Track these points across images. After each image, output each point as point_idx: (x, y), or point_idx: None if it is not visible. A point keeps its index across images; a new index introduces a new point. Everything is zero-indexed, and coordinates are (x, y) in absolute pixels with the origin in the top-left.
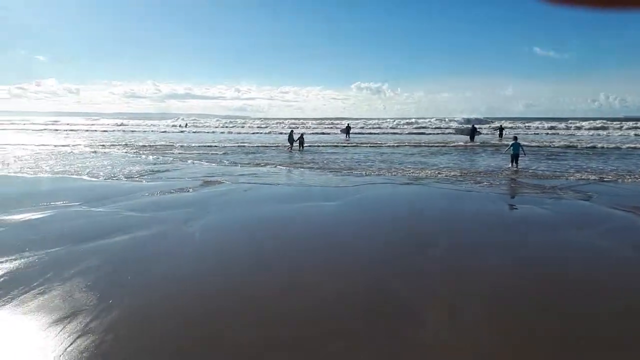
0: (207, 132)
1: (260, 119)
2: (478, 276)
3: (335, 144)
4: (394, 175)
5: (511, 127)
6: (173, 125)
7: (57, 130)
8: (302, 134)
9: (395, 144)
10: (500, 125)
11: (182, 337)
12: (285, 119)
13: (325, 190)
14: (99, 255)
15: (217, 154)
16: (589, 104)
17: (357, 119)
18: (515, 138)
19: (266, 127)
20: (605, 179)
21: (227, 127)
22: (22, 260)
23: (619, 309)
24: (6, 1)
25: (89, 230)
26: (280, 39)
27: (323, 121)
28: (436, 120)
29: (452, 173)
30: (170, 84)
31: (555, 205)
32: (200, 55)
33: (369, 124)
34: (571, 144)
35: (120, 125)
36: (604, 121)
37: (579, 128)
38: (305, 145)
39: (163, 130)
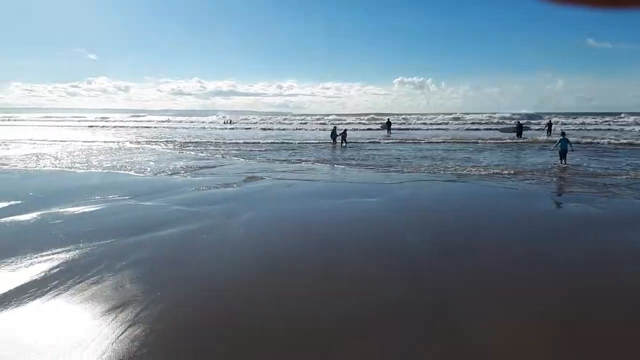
0: (250, 129)
1: (302, 115)
2: (527, 277)
3: (376, 140)
4: (436, 172)
5: (561, 123)
6: (217, 122)
7: (106, 127)
8: (345, 130)
9: (438, 140)
10: (549, 121)
11: (227, 328)
12: (327, 115)
13: (366, 186)
14: (148, 247)
15: (259, 150)
16: None
17: (399, 114)
18: (564, 134)
19: (307, 123)
20: None
21: (268, 123)
22: (78, 251)
23: None
24: (60, 2)
25: (138, 223)
26: (322, 35)
27: (364, 117)
28: (482, 115)
29: (497, 170)
30: (215, 82)
31: (610, 204)
32: (244, 52)
33: (411, 120)
34: (626, 140)
35: (166, 121)
36: None
37: (637, 124)
38: (347, 141)
39: (207, 126)
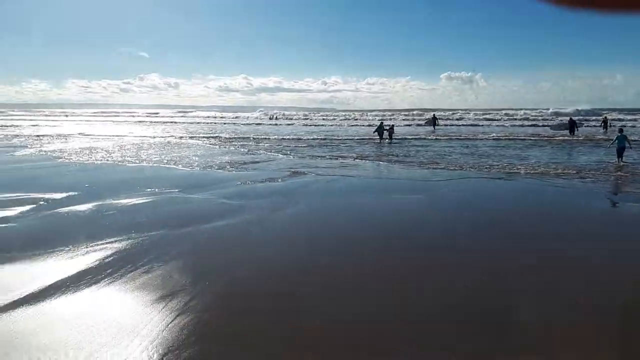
0: (293, 125)
1: (346, 111)
2: (584, 282)
3: (421, 136)
4: (483, 169)
5: (618, 119)
6: (259, 118)
7: (155, 122)
8: (392, 126)
9: (486, 137)
10: (605, 118)
11: (271, 320)
12: (371, 110)
13: (411, 183)
14: (195, 239)
15: (302, 146)
16: None
17: (446, 109)
18: (621, 130)
19: (351, 119)
20: None
21: (312, 119)
22: (130, 241)
23: None
24: (113, 3)
25: (186, 215)
26: (367, 31)
27: (410, 112)
28: (533, 111)
29: (547, 168)
30: (261, 78)
31: None
32: (290, 49)
33: (459, 115)
34: None
35: (212, 117)
36: None
37: None
38: (394, 137)
39: (252, 122)
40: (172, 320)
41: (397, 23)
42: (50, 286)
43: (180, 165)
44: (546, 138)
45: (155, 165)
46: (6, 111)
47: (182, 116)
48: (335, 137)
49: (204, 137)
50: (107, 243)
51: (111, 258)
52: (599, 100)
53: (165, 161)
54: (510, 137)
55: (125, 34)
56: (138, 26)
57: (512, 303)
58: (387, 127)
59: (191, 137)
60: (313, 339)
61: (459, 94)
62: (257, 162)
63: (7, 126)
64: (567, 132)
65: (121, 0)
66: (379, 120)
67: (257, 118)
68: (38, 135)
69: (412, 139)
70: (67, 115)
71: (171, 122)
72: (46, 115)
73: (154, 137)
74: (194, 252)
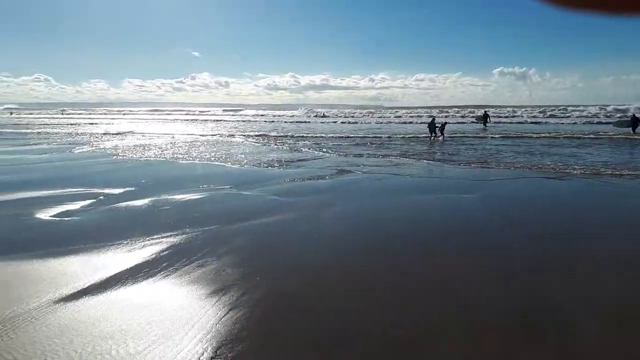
0: (340, 122)
1: (394, 107)
2: None
3: (472, 134)
4: (537, 168)
5: None
6: (300, 116)
7: (206, 120)
8: (444, 123)
9: (540, 135)
10: None
11: (320, 318)
12: (419, 107)
13: (461, 182)
14: (247, 234)
15: (348, 144)
16: None
17: (498, 106)
18: None
19: (398, 116)
20: None
21: (359, 116)
22: (184, 235)
23: None
24: (167, 4)
25: (238, 211)
26: (416, 26)
27: (460, 109)
28: (592, 108)
29: (605, 168)
30: (309, 76)
31: None
32: (338, 46)
33: (511, 112)
34: None
35: (260, 115)
36: None
37: None
38: (445, 134)
39: (298, 120)
40: (225, 314)
41: (448, 17)
42: (111, 277)
43: (229, 163)
44: (606, 136)
45: (206, 162)
46: (66, 110)
47: (231, 114)
48: (383, 135)
49: (251, 135)
50: (162, 237)
51: (167, 252)
52: None
53: (215, 158)
54: (567, 135)
55: (179, 34)
56: (191, 26)
57: (584, 311)
58: (439, 124)
59: (239, 135)
60: (363, 340)
61: (512, 90)
62: (304, 159)
63: (67, 124)
64: (629, 129)
65: (175, 1)
66: (429, 116)
67: (301, 115)
68: (96, 133)
69: (462, 136)
70: (124, 114)
71: (221, 120)
72: (104, 114)
73: (204, 135)
74: (245, 247)
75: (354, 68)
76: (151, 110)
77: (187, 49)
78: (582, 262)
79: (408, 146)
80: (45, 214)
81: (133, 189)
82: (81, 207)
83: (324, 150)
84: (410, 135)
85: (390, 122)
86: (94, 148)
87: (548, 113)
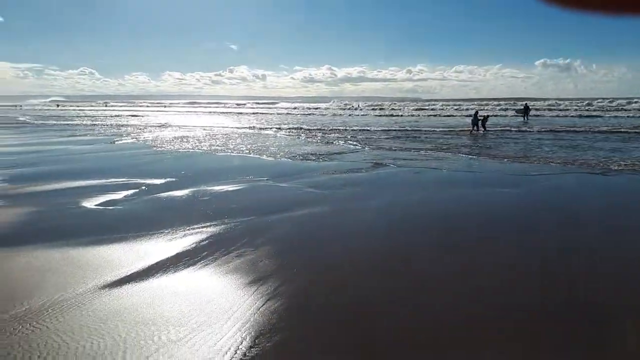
0: (377, 115)
1: (431, 100)
2: None
3: (511, 127)
4: (580, 163)
5: None
6: (342, 108)
7: (243, 113)
8: (486, 116)
9: (585, 128)
10: None
11: (359, 310)
12: (458, 100)
13: (501, 176)
14: (284, 226)
15: (384, 137)
16: None
17: (540, 99)
18: None
19: (436, 109)
20: None
21: (396, 109)
22: (223, 226)
23: None
24: None
25: (275, 203)
26: (455, 16)
27: (500, 102)
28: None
29: None
30: (345, 68)
31: None
32: (375, 38)
33: (554, 105)
34: None
35: (296, 108)
36: None
37: None
38: (487, 128)
39: (335, 113)
40: (263, 304)
41: (489, 7)
42: (153, 265)
43: (264, 155)
44: None
45: (242, 154)
46: (109, 102)
47: (267, 107)
48: (420, 128)
49: (286, 128)
50: (202, 227)
51: (206, 241)
52: None
53: (251, 151)
54: (613, 129)
55: (218, 27)
56: (229, 20)
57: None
58: (481, 117)
59: (274, 128)
60: (400, 333)
61: (555, 82)
62: (339, 153)
63: (109, 116)
64: None
65: None
66: (473, 109)
67: (338, 108)
68: (137, 125)
69: (501, 130)
70: (165, 106)
71: (257, 113)
72: (145, 106)
73: (240, 128)
74: (282, 239)
75: (391, 60)
76: (189, 103)
77: (226, 43)
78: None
79: (446, 139)
80: (90, 203)
81: (174, 179)
82: (124, 196)
83: (359, 143)
84: (448, 129)
85: (427, 115)
86: (135, 139)
87: (595, 105)
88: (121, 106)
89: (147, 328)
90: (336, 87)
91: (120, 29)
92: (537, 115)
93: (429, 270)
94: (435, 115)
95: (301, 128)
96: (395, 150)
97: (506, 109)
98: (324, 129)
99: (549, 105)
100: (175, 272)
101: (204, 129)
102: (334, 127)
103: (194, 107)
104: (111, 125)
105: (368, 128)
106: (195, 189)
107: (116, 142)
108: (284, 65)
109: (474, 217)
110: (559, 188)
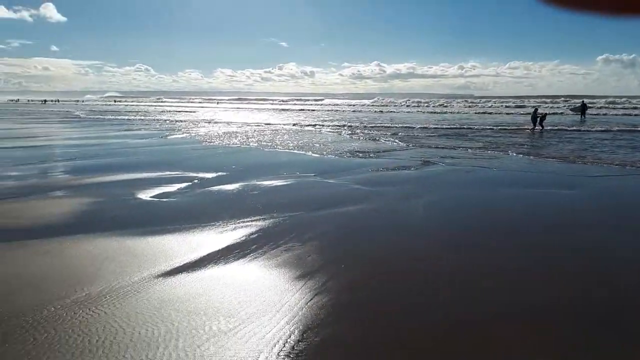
0: (427, 112)
1: (484, 97)
2: None
3: (568, 126)
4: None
5: None
6: (388, 105)
7: (290, 110)
8: (545, 114)
9: None
10: None
11: (407, 309)
12: (511, 97)
13: (557, 177)
14: (332, 221)
15: (434, 135)
16: None
17: (601, 96)
18: None
19: (489, 106)
20: None
21: (446, 106)
22: (272, 220)
23: None
24: None
25: (322, 198)
26: (510, 11)
27: (556, 99)
28: None
29: None
30: (394, 64)
31: None
32: (425, 34)
33: (614, 103)
34: None
35: (344, 105)
36: None
37: None
38: (545, 126)
39: (382, 110)
40: (311, 299)
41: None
42: (205, 257)
43: (311, 152)
44: None
45: (289, 150)
46: (162, 98)
47: (314, 104)
48: (471, 126)
49: (333, 124)
50: (251, 221)
51: (255, 235)
52: None
53: (298, 147)
54: None
55: (268, 25)
56: (280, 17)
57: None
58: (540, 115)
59: (321, 125)
60: (448, 335)
61: (618, 79)
62: (387, 150)
63: (163, 112)
64: None
65: None
66: (530, 107)
67: (385, 105)
68: (189, 120)
69: (557, 129)
70: (218, 102)
71: (304, 109)
72: (198, 102)
73: (288, 125)
74: (330, 234)
75: (442, 56)
76: (238, 99)
77: (275, 40)
78: None
79: (498, 138)
80: (145, 195)
81: (224, 173)
82: (177, 189)
83: (406, 141)
84: (501, 127)
85: (479, 113)
86: (187, 134)
87: None
88: (174, 102)
89: (199, 318)
90: (385, 83)
91: (175, 27)
92: (596, 114)
93: (483, 272)
94: (487, 113)
95: (347, 125)
96: (444, 148)
97: (563, 107)
98: (370, 126)
99: (608, 103)
100: (225, 264)
101: (252, 125)
102: (380, 124)
103: (242, 103)
104: (164, 120)
105: (416, 125)
106: (244, 183)
107: (169, 137)
108: (332, 62)
109: (532, 218)
110: (618, 190)
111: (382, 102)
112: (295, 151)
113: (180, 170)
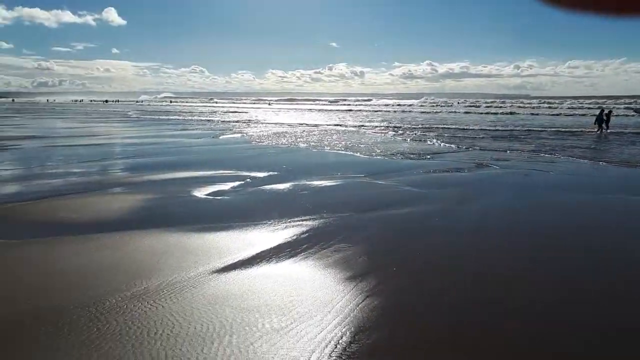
0: (480, 113)
1: (541, 97)
2: None
3: (633, 128)
4: None
5: None
6: (441, 105)
7: (339, 110)
8: (609, 111)
9: None
10: None
11: (460, 316)
12: (570, 97)
13: (625, 182)
14: (382, 223)
15: (486, 136)
16: None
17: None
18: None
19: (547, 107)
20: None
21: (501, 107)
22: (322, 220)
23: None
24: None
25: (372, 200)
26: None
27: (619, 100)
28: None
29: None
30: (447, 64)
31: None
32: (480, 32)
33: None
34: None
35: (392, 105)
36: None
37: None
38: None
39: (432, 110)
40: (363, 301)
41: None
42: (257, 255)
43: (359, 153)
44: None
45: (338, 151)
46: (213, 98)
47: (363, 104)
48: (526, 128)
49: (381, 125)
50: (302, 220)
51: (306, 235)
52: None
53: (347, 148)
54: None
55: (319, 25)
56: (330, 17)
57: None
58: (605, 115)
59: (370, 126)
60: (505, 343)
61: None
62: (438, 152)
63: (215, 112)
64: None
65: None
66: (598, 107)
67: (435, 105)
68: (240, 121)
69: (620, 131)
70: (269, 104)
71: (352, 110)
72: (249, 103)
73: (336, 125)
74: (380, 236)
75: (497, 55)
76: (288, 100)
77: (326, 40)
78: None
79: (555, 140)
80: (200, 193)
81: (275, 173)
82: (231, 187)
83: (458, 142)
84: (559, 129)
85: (535, 114)
86: (238, 134)
87: None
88: (226, 103)
89: (252, 315)
90: (437, 83)
91: (229, 29)
92: None
93: (548, 283)
94: (544, 114)
95: (394, 126)
96: (498, 150)
97: (624, 108)
98: (418, 127)
99: None
100: (277, 262)
101: (301, 126)
102: (430, 125)
103: (292, 104)
104: (216, 120)
105: (469, 127)
106: (295, 183)
107: (221, 137)
108: (383, 62)
109: (598, 225)
110: None
111: (431, 102)
112: (343, 152)
113: (233, 169)
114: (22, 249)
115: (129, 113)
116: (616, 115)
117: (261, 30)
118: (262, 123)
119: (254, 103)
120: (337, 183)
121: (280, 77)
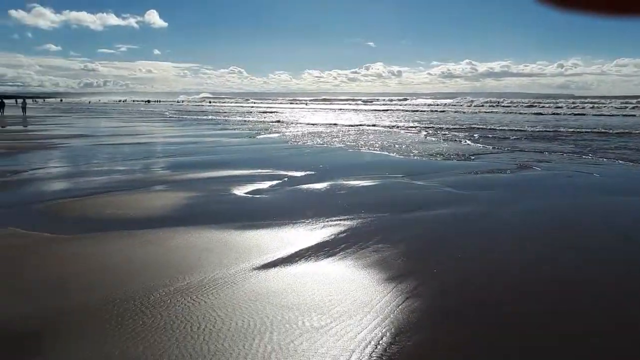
0: (520, 113)
1: (586, 97)
2: None
3: None
4: None
5: None
6: (478, 105)
7: (375, 110)
8: None
9: None
10: None
11: (504, 323)
12: (616, 97)
13: None
14: (420, 224)
15: (527, 137)
16: None
17: None
18: None
19: (590, 107)
20: None
21: (543, 107)
22: (359, 220)
23: None
24: None
25: (411, 200)
26: None
27: None
28: None
29: None
30: (487, 63)
31: None
32: (522, 30)
33: None
34: None
35: (430, 105)
36: None
37: None
38: None
39: (472, 110)
40: (403, 302)
41: None
42: (296, 253)
43: (396, 153)
44: None
45: (374, 151)
46: (249, 99)
47: (399, 104)
48: (570, 128)
49: (419, 125)
50: (339, 220)
51: (344, 234)
52: None
53: (383, 148)
54: None
55: (356, 25)
56: (367, 17)
57: None
58: None
59: (407, 126)
60: (548, 349)
61: None
62: (477, 153)
63: (252, 112)
64: None
65: None
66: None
67: (477, 105)
68: (277, 121)
69: None
70: (306, 103)
71: (388, 110)
72: (286, 103)
73: (372, 125)
74: (420, 237)
75: (539, 53)
76: (324, 100)
77: (363, 40)
78: None
79: (600, 142)
80: (240, 191)
81: (312, 172)
82: (269, 186)
83: (497, 142)
84: (605, 130)
85: (580, 114)
86: (275, 134)
87: None
88: (263, 103)
89: (292, 312)
90: (477, 82)
91: (267, 30)
92: None
93: (596, 291)
94: (590, 114)
95: (432, 126)
96: (540, 152)
97: None
98: (459, 127)
99: None
100: (316, 261)
101: (337, 126)
102: (470, 125)
103: (328, 104)
104: (254, 121)
105: (508, 127)
106: (332, 183)
107: (258, 137)
108: (420, 61)
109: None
110: None
111: (468, 102)
112: (380, 152)
113: (271, 168)
114: (71, 243)
115: (170, 113)
116: None
117: (298, 31)
118: (298, 123)
119: (290, 103)
120: (375, 183)
121: (316, 77)
